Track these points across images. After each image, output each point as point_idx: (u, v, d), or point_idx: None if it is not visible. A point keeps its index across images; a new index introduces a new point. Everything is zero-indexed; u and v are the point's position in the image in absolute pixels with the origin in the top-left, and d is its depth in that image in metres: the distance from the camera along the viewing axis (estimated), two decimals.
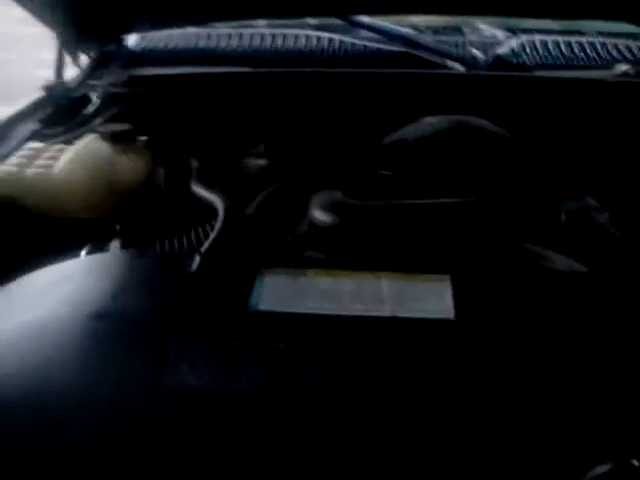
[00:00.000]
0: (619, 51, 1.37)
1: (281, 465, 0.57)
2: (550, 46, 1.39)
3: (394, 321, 0.68)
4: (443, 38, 1.45)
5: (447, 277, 0.72)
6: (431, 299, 0.69)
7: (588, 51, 1.38)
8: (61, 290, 0.76)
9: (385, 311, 0.69)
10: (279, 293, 0.72)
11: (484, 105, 1.17)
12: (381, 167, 1.07)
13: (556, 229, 0.87)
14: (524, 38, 1.40)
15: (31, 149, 1.07)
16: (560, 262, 0.81)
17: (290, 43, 1.39)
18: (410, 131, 1.14)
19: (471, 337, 0.66)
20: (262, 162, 1.16)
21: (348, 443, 0.58)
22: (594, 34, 1.44)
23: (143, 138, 1.09)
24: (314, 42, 1.39)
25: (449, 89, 1.27)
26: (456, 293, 0.70)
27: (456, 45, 1.42)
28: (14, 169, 1.01)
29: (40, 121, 1.16)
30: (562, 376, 0.62)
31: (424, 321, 0.67)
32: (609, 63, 1.33)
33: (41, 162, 1.04)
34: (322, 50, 1.38)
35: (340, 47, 1.39)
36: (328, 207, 0.92)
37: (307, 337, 0.66)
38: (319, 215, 0.92)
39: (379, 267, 0.76)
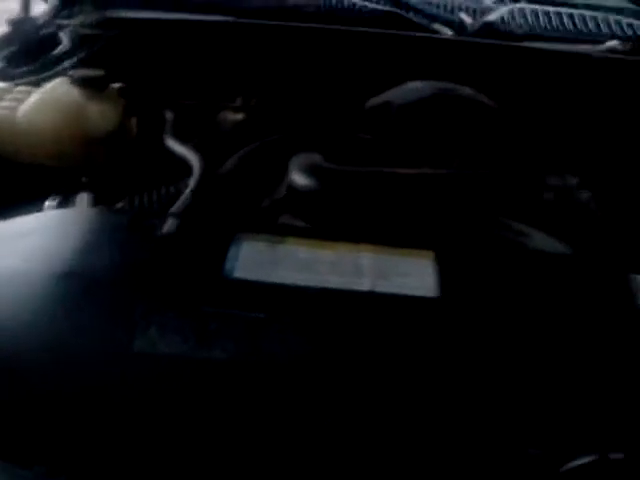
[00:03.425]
0: (609, 26, 1.35)
1: (249, 434, 0.56)
2: (540, 16, 1.36)
3: (373, 296, 0.65)
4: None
5: (431, 253, 0.70)
6: (413, 275, 0.67)
7: (578, 24, 1.35)
8: (25, 244, 0.72)
9: (364, 285, 0.66)
10: (256, 260, 0.69)
11: (469, 72, 1.15)
12: (362, 131, 1.04)
13: (540, 206, 0.85)
14: (514, 6, 1.37)
15: None
16: (543, 242, 0.80)
17: None
18: (394, 95, 1.11)
19: (454, 317, 0.64)
20: (238, 117, 1.12)
21: (319, 419, 0.56)
22: (584, 6, 1.42)
23: (116, 85, 1.04)
24: None
25: (435, 53, 1.24)
26: (440, 271, 0.68)
27: (444, 8, 1.38)
28: None
29: (4, 59, 1.10)
30: (545, 363, 0.61)
31: (405, 297, 0.65)
32: (599, 37, 1.31)
33: (5, 104, 0.99)
34: (307, 5, 1.33)
35: (326, 2, 1.35)
36: (308, 170, 0.89)
37: (283, 308, 0.64)
38: (299, 178, 0.88)
39: (358, 238, 0.74)
